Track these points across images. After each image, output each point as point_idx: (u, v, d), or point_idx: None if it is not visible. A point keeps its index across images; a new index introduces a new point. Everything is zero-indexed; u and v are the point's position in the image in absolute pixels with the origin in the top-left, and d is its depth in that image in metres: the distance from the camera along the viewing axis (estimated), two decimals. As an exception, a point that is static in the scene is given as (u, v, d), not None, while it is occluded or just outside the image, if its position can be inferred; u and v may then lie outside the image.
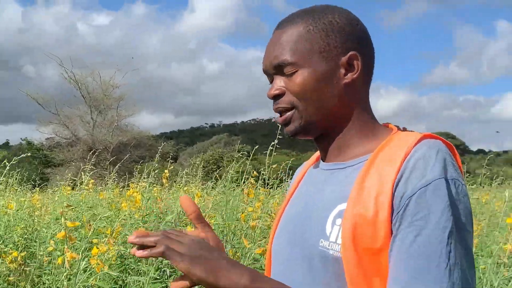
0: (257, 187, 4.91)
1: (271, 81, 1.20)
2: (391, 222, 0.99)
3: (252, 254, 3.43)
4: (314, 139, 1.22)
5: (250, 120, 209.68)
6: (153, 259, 3.68)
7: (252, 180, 4.15)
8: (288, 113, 1.17)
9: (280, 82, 1.17)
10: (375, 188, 1.02)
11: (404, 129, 1.20)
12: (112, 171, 6.47)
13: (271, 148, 3.99)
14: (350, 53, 1.14)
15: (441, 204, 0.96)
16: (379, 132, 1.18)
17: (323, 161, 1.23)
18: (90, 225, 4.11)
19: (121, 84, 34.40)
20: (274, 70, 1.17)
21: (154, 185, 5.54)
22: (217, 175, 7.28)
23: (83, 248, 3.69)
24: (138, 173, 7.03)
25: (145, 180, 5.31)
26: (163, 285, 3.62)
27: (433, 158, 1.00)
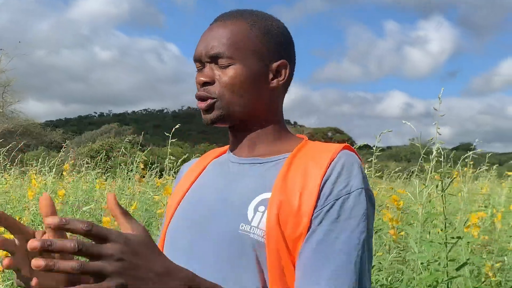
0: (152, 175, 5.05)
1: (200, 69, 1.23)
2: (312, 216, 1.08)
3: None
4: (230, 130, 1.28)
5: (141, 110, 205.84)
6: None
7: (141, 165, 4.26)
8: (211, 101, 1.19)
9: (211, 71, 1.20)
10: (299, 182, 1.11)
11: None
12: (12, 160, 6.34)
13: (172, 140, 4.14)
14: (282, 60, 1.22)
15: (361, 211, 1.08)
16: (291, 137, 1.27)
17: (236, 155, 1.28)
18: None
19: (8, 69, 32.76)
20: (209, 59, 1.20)
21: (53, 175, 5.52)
22: (109, 165, 7.29)
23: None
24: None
25: (45, 169, 5.30)
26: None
27: (355, 168, 1.12)
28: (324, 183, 1.10)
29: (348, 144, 1.21)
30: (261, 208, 1.12)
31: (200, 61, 1.23)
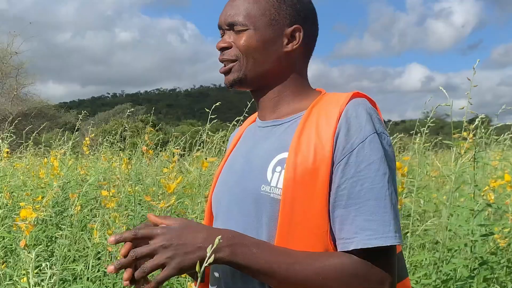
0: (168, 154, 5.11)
1: (222, 35, 1.36)
2: (331, 172, 1.16)
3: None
4: (252, 96, 1.40)
5: (154, 90, 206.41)
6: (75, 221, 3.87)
7: (147, 137, 4.31)
8: (230, 64, 1.32)
9: (229, 37, 1.32)
10: (312, 139, 1.19)
11: None
12: (30, 140, 6.47)
13: (211, 116, 4.19)
14: (295, 26, 1.30)
15: (378, 154, 1.15)
16: (311, 94, 1.35)
17: (260, 120, 1.39)
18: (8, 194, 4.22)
19: (22, 51, 32.90)
20: (227, 26, 1.32)
21: (71, 154, 5.63)
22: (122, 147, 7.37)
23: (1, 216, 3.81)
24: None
25: (63, 148, 5.40)
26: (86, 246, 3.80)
27: (364, 116, 1.18)
28: (337, 137, 1.17)
29: (357, 91, 1.28)
30: (278, 168, 1.23)
31: (221, 29, 1.36)
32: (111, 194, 3.56)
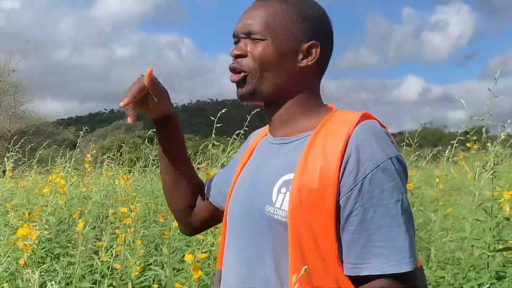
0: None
1: (236, 43, 1.33)
2: (337, 194, 1.14)
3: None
4: (265, 110, 1.36)
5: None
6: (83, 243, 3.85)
7: None
8: (242, 75, 1.29)
9: (245, 46, 1.30)
10: (319, 160, 1.16)
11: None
12: (35, 158, 6.47)
13: (216, 126, 4.15)
14: (312, 41, 1.28)
15: (391, 182, 1.13)
16: (322, 111, 1.31)
17: (271, 135, 1.37)
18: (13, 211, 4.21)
19: (19, 69, 32.93)
20: (244, 34, 1.29)
21: (74, 171, 5.63)
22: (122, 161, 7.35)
23: (7, 235, 3.80)
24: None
25: (64, 166, 5.40)
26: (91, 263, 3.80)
27: (375, 140, 1.16)
28: (347, 161, 1.14)
29: (366, 112, 1.25)
30: (283, 190, 1.21)
31: (236, 36, 1.33)
32: (128, 210, 3.54)
